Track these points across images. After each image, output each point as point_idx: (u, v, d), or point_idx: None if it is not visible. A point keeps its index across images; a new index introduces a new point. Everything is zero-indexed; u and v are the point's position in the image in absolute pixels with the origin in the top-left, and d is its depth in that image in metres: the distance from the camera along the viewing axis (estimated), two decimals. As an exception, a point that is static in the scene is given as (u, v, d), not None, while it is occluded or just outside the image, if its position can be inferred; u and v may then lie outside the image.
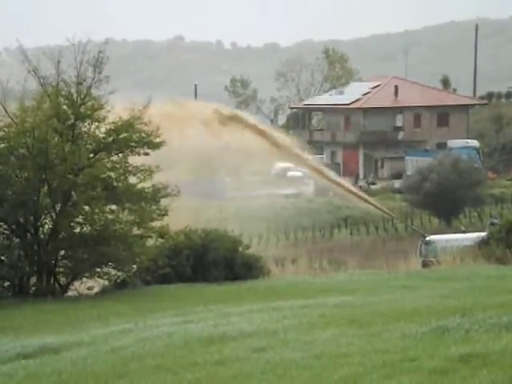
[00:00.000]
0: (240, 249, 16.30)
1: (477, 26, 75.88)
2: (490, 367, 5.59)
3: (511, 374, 5.41)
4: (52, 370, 7.43)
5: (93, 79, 15.09)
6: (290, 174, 63.55)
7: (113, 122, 15.44)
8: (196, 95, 75.67)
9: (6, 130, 14.97)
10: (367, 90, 65.67)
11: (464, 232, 24.75)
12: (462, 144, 58.04)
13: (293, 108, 74.00)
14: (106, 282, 15.22)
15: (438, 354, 6.13)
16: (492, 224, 22.29)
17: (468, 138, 61.43)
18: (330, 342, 7.11)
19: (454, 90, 71.40)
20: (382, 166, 62.18)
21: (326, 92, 70.41)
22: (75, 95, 15.11)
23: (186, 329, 8.73)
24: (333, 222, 45.23)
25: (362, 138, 63.42)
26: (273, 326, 8.33)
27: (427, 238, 23.89)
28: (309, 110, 70.53)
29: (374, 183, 56.41)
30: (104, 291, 15.01)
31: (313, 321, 8.40)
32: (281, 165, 64.45)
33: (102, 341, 8.71)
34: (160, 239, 15.69)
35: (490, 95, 72.27)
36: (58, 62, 15.21)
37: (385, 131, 63.80)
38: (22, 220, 14.96)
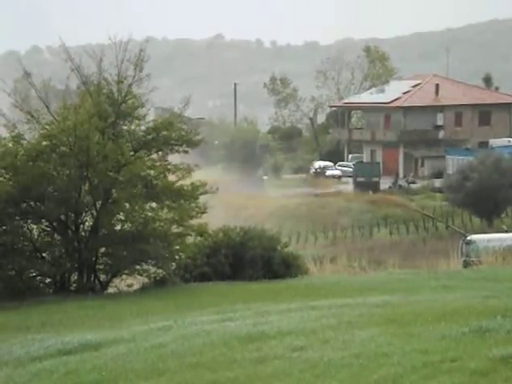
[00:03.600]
0: (278, 247, 16.26)
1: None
2: (533, 369, 5.44)
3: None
4: (92, 367, 7.50)
5: (133, 77, 15.20)
6: (329, 172, 63.33)
7: (153, 120, 15.53)
8: (235, 94, 75.94)
9: (48, 127, 15.19)
10: (408, 89, 64.94)
11: (506, 232, 24.31)
12: (504, 143, 57.04)
13: (332, 107, 73.58)
14: (146, 280, 15.32)
15: (479, 354, 6.00)
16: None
17: (510, 137, 60.30)
18: (368, 342, 7.03)
19: (496, 89, 70.12)
20: (423, 165, 61.44)
21: (366, 91, 69.85)
22: (116, 93, 15.23)
23: (224, 327, 8.73)
24: (372, 220, 44.84)
25: (402, 137, 62.72)
26: (311, 324, 8.27)
27: (468, 238, 23.52)
28: (348, 109, 70.04)
29: (414, 182, 55.78)
30: (143, 288, 15.12)
31: (352, 320, 8.31)
32: (320, 163, 64.30)
33: (141, 338, 8.75)
34: (199, 237, 15.74)
35: (532, 93, 70.78)
36: (100, 60, 15.37)
37: (425, 130, 62.99)
38: (63, 217, 15.12)
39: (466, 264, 19.61)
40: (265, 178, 60.51)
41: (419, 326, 7.50)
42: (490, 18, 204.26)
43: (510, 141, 58.49)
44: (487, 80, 71.64)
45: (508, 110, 64.28)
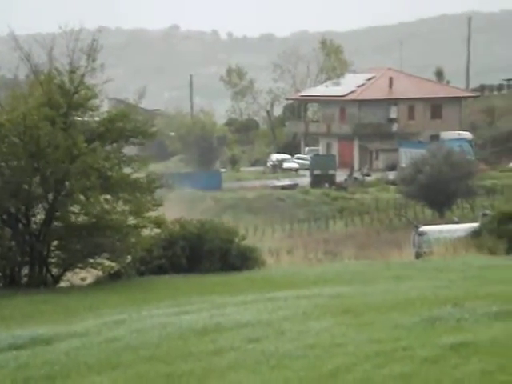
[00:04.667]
0: (235, 240, 16.25)
1: (469, 19, 75.87)
2: (480, 356, 5.59)
3: (500, 362, 5.40)
4: (44, 361, 7.37)
5: (86, 68, 14.92)
6: (286, 165, 63.61)
7: (107, 112, 15.29)
8: (191, 86, 75.47)
9: (-4, 117, 14.81)
10: (362, 82, 65.58)
11: (457, 223, 24.78)
12: (454, 136, 58.13)
13: (289, 99, 73.88)
14: (100, 273, 15.13)
15: (430, 343, 6.12)
16: (484, 215, 22.30)
17: (461, 130, 61.51)
18: (323, 333, 7.09)
19: (448, 83, 71.39)
20: (377, 158, 62.20)
21: (322, 84, 70.30)
22: (68, 84, 14.95)
23: (180, 319, 8.68)
24: (328, 213, 45.25)
25: (357, 130, 63.38)
26: (268, 316, 8.30)
27: (420, 229, 23.91)
28: (305, 102, 70.41)
29: (368, 175, 56.43)
30: (97, 282, 14.92)
31: (307, 311, 8.37)
32: (277, 156, 64.54)
33: (95, 332, 8.65)
34: (155, 229, 15.60)
35: (482, 88, 72.33)
36: (51, 49, 15.03)
37: (379, 123, 63.75)
38: (13, 210, 14.81)
39: (418, 255, 19.95)
40: (222, 170, 60.44)
41: (373, 316, 7.60)
42: (441, 12, 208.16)
43: (460, 134, 59.68)
44: (439, 74, 72.92)
45: (458, 103, 65.54)
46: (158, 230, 15.61)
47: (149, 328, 8.35)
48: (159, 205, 15.33)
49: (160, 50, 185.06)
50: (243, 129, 73.99)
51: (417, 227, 24.29)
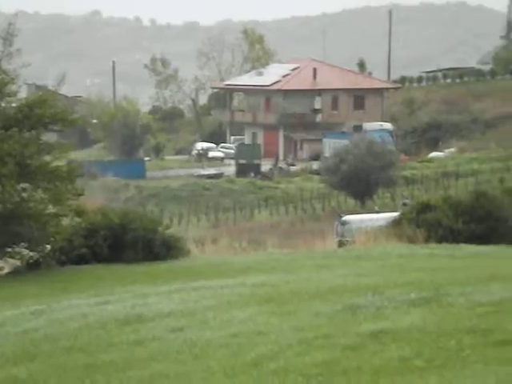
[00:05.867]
0: (159, 229, 16.11)
1: (390, 11, 77.74)
2: (398, 342, 5.74)
3: (417, 348, 5.58)
4: (-43, 354, 7.10)
5: (3, 52, 14.40)
6: (212, 154, 63.47)
7: (25, 98, 14.81)
8: (114, 72, 74.02)
9: None
10: (287, 72, 66.14)
11: (378, 212, 25.40)
12: (376, 127, 59.55)
13: (214, 88, 73.65)
14: (18, 263, 14.70)
15: (350, 330, 6.25)
16: (404, 204, 22.94)
17: (382, 121, 63.05)
18: (247, 321, 7.13)
19: (370, 74, 72.92)
20: (302, 148, 62.97)
21: (247, 73, 70.46)
22: (-17, 68, 14.42)
23: (101, 310, 8.55)
24: (254, 202, 45.52)
25: (282, 120, 63.95)
26: (191, 305, 8.27)
27: (343, 219, 24.37)
28: (230, 91, 70.39)
29: (293, 164, 57.07)
30: (15, 272, 14.49)
31: (231, 300, 8.40)
32: (202, 144, 64.30)
33: (11, 323, 8.40)
34: (76, 218, 15.27)
35: (403, 79, 74.34)
36: (-36, 32, 14.42)
37: (304, 113, 64.55)
38: None
39: (341, 244, 20.35)
40: (146, 159, 59.70)
41: (296, 305, 7.70)
42: (364, 4, 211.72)
43: (381, 125, 61.18)
44: (361, 65, 74.41)
45: (380, 94, 67.14)
46: (78, 219, 15.28)
47: (69, 318, 8.18)
48: (80, 194, 15.01)
49: (81, 36, 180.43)
50: (168, 117, 73.29)
51: (340, 216, 24.75)
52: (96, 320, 7.91)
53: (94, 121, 63.73)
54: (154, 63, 73.05)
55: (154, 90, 74.48)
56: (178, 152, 67.88)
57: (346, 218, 24.62)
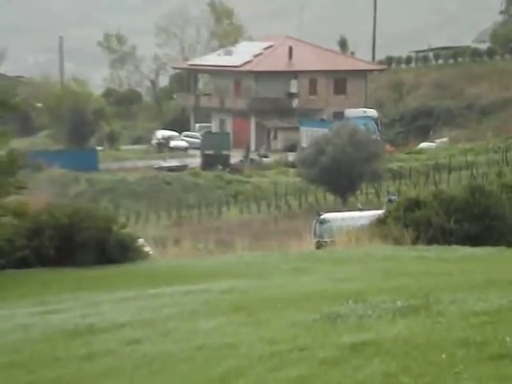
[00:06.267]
0: (114, 228, 16.08)
1: (374, -18, 78.08)
2: (383, 356, 5.82)
3: (403, 362, 5.65)
4: None
5: None
6: (174, 143, 63.29)
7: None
8: (61, 49, 73.38)
9: None
10: (259, 51, 66.09)
11: (361, 210, 25.61)
12: (359, 113, 59.80)
13: (176, 68, 73.41)
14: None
15: (329, 342, 6.32)
16: (390, 201, 23.15)
17: (366, 107, 63.37)
18: (213, 332, 7.18)
19: (352, 54, 73.17)
20: (276, 137, 63.02)
21: (214, 51, 70.29)
22: None
23: (47, 320, 8.55)
24: (221, 198, 45.56)
25: (254, 105, 63.95)
26: (150, 315, 8.31)
27: (322, 217, 24.54)
28: (194, 72, 70.18)
29: (266, 156, 57.17)
30: None
31: (196, 308, 8.45)
32: (163, 133, 64.12)
33: None
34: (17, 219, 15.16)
35: (389, 60, 74.60)
36: None
37: (278, 98, 64.58)
38: None
39: (319, 245, 20.49)
40: (99, 148, 59.34)
41: (268, 314, 7.77)
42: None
43: (365, 111, 61.47)
44: (342, 44, 74.62)
45: (364, 77, 67.28)
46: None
47: (8, 330, 8.17)
48: (23, 187, 14.92)
49: (24, 7, 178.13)
50: (124, 101, 72.93)
51: (319, 215, 24.91)
52: (40, 332, 7.91)
53: (39, 104, 63.17)
54: (108, 39, 72.62)
55: (107, 70, 74.03)
56: (136, 141, 67.64)
57: (325, 216, 24.82)
